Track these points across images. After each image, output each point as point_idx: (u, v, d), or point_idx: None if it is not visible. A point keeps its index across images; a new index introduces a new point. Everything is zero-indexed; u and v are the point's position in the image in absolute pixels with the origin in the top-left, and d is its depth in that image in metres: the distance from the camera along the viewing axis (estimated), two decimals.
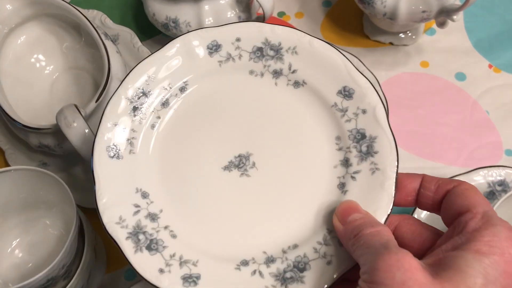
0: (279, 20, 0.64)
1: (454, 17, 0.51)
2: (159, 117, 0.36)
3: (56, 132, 0.48)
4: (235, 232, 0.33)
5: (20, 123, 0.48)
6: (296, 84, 0.37)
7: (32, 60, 0.58)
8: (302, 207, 0.34)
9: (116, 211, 0.33)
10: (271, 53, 0.37)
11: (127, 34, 0.60)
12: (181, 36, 0.37)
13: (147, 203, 0.34)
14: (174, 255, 0.32)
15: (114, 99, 0.35)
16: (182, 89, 0.37)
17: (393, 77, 0.59)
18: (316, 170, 0.35)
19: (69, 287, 0.42)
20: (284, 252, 0.33)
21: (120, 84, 0.35)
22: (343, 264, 0.31)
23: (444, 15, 0.52)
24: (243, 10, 0.56)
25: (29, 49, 0.58)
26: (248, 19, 0.57)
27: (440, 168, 0.53)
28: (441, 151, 0.54)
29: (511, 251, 0.26)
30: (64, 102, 0.58)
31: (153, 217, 0.34)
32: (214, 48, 0.37)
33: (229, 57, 0.37)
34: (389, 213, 0.32)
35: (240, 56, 0.37)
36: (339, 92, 0.35)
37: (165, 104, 0.36)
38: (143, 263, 0.32)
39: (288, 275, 0.32)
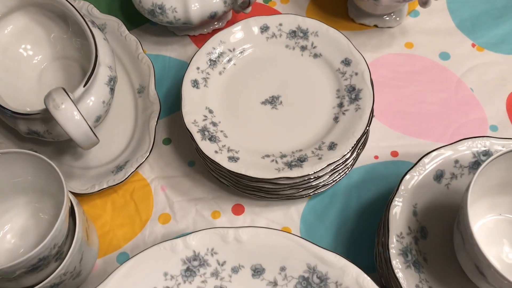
0: (265, 6, 0.64)
1: None
2: (224, 68, 0.54)
3: (45, 117, 0.48)
4: (264, 139, 0.50)
5: (9, 110, 0.48)
6: (315, 55, 0.54)
7: (20, 50, 0.58)
8: (308, 129, 0.50)
9: (192, 116, 0.50)
10: (301, 34, 0.54)
11: (114, 23, 0.60)
12: (243, 20, 0.55)
13: (212, 116, 0.51)
14: (224, 146, 0.49)
15: (199, 54, 0.53)
16: (241, 52, 0.55)
17: (379, 59, 0.59)
18: (320, 108, 0.51)
19: (61, 267, 0.42)
20: (292, 152, 0.49)
21: (203, 45, 0.54)
22: (329, 161, 0.46)
23: None
24: None
25: (16, 39, 0.58)
26: (234, 4, 0.58)
27: (426, 144, 0.54)
28: (428, 128, 0.55)
29: None
30: None
31: (214, 124, 0.51)
32: (264, 28, 0.55)
33: (273, 35, 0.55)
34: (363, 132, 0.47)
35: (280, 35, 0.55)
36: (342, 62, 0.53)
37: (229, 60, 0.54)
38: (206, 147, 0.48)
39: (293, 163, 0.47)
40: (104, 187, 0.51)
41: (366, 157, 0.53)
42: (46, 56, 0.59)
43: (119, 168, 0.53)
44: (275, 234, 0.39)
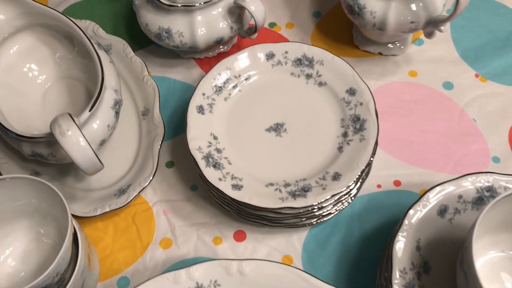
0: (270, 31, 0.65)
1: (442, 27, 0.52)
2: (230, 94, 0.54)
3: (50, 141, 0.48)
4: (268, 167, 0.50)
5: (13, 132, 0.49)
6: (320, 84, 0.55)
7: (25, 69, 0.58)
8: (312, 158, 0.50)
9: (197, 142, 0.50)
10: (306, 62, 0.55)
11: (120, 44, 0.61)
12: (249, 47, 0.55)
13: (216, 142, 0.51)
14: (228, 173, 0.49)
15: (205, 79, 0.54)
16: (246, 79, 0.55)
17: (383, 86, 0.60)
18: (325, 137, 0.51)
19: None
20: (296, 181, 0.49)
21: (209, 71, 0.54)
22: (333, 192, 0.47)
23: (431, 26, 0.53)
24: (235, 21, 0.57)
25: (21, 58, 0.58)
26: (240, 29, 0.58)
27: (429, 174, 0.54)
28: (430, 158, 0.55)
29: None
30: (56, 111, 0.58)
31: (218, 150, 0.51)
32: (270, 55, 0.55)
33: (278, 62, 0.55)
34: (367, 163, 0.48)
35: (286, 63, 0.55)
36: (347, 91, 0.53)
37: (234, 86, 0.55)
38: (210, 174, 0.48)
39: (297, 193, 0.47)
40: (107, 210, 0.51)
41: (369, 186, 0.53)
42: (50, 76, 0.59)
43: (122, 191, 0.53)
44: (278, 267, 0.39)
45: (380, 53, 0.62)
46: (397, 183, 0.54)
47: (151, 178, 0.53)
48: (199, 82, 0.53)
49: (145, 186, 0.52)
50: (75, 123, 0.43)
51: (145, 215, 0.54)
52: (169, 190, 0.55)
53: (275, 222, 0.49)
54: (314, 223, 0.50)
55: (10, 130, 0.49)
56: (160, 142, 0.55)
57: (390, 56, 0.62)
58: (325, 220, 0.50)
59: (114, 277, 0.51)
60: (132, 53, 0.60)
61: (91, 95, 0.58)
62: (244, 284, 0.39)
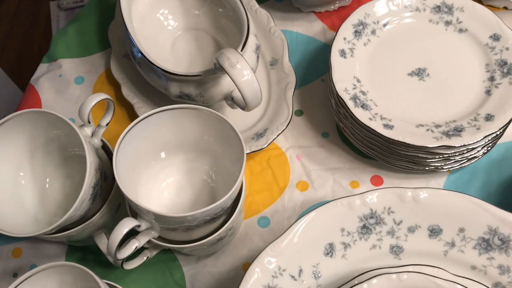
0: None
1: None
2: (369, 40, 0.55)
3: (200, 80, 0.49)
4: (414, 109, 0.51)
5: (166, 71, 0.50)
6: (460, 30, 0.55)
7: (158, 15, 0.59)
8: (458, 101, 0.51)
9: (342, 84, 0.51)
10: (445, 9, 0.55)
11: None
12: None
13: (360, 85, 0.52)
14: (377, 114, 0.50)
15: (345, 24, 0.54)
16: (384, 25, 0.56)
17: None
18: (469, 82, 0.52)
19: (230, 221, 0.43)
20: (446, 123, 0.49)
21: (349, 17, 0.55)
22: (488, 131, 0.47)
23: None
24: None
25: (154, 7, 0.59)
26: None
27: None
28: None
29: None
30: (185, 60, 0.60)
31: (363, 93, 0.51)
32: (409, 2, 0.56)
33: (417, 9, 0.56)
34: None
35: (424, 9, 0.56)
36: (490, 37, 0.53)
37: (373, 32, 0.55)
38: (359, 114, 0.49)
39: (450, 133, 0.48)
40: (247, 152, 0.52)
41: (506, 134, 0.53)
42: (180, 26, 0.60)
43: (259, 135, 0.54)
44: (455, 196, 0.39)
45: (505, 7, 0.61)
46: None
47: (288, 122, 0.53)
48: (340, 27, 0.54)
49: (283, 130, 0.53)
50: (243, 56, 0.44)
51: (279, 159, 0.55)
52: (300, 136, 0.56)
53: (420, 165, 0.49)
54: (458, 167, 0.50)
55: (162, 68, 0.50)
56: (293, 90, 0.55)
57: None
58: (468, 164, 0.50)
59: (254, 216, 0.52)
60: (257, 6, 0.61)
61: (219, 46, 0.60)
62: (419, 212, 0.40)
